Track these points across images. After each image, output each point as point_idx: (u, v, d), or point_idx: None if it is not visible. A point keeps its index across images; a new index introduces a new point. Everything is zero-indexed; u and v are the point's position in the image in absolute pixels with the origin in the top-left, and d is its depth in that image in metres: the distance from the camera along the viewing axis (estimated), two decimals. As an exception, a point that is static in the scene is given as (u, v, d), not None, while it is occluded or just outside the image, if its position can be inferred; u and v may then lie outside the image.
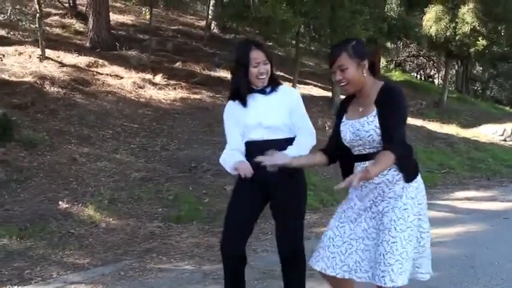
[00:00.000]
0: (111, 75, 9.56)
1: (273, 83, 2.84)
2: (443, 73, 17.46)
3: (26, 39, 10.37)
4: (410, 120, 11.96)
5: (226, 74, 10.39)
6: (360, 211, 2.43)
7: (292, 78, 11.02)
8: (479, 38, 13.37)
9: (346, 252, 2.41)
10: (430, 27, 13.72)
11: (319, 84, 13.10)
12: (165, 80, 9.98)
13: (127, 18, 14.55)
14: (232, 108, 2.86)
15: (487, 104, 19.26)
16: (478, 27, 13.19)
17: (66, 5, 13.54)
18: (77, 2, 13.68)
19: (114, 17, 13.49)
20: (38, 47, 9.46)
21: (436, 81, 27.57)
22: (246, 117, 2.78)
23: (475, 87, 28.68)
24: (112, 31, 11.81)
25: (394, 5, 18.63)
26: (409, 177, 2.36)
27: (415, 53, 24.28)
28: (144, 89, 9.37)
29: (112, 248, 4.67)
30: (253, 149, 2.73)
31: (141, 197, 5.89)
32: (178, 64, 11.32)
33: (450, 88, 21.60)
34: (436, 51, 18.21)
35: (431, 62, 25.43)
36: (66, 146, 6.81)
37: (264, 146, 2.66)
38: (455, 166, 9.74)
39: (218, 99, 9.50)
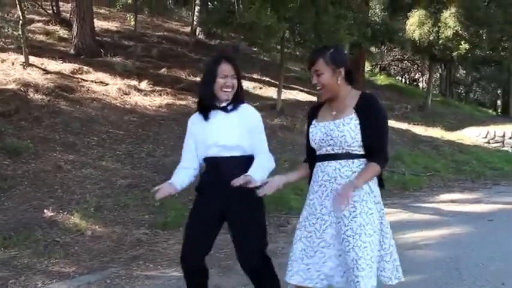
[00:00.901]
0: (96, 82, 9.51)
1: (237, 100, 2.82)
2: (428, 77, 17.63)
3: (9, 46, 10.26)
4: (396, 124, 12.06)
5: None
6: (324, 215, 2.44)
7: (277, 83, 11.06)
8: (462, 42, 13.56)
9: (320, 261, 2.43)
10: (414, 31, 13.88)
11: (304, 89, 13.17)
12: (151, 86, 9.96)
13: (111, 25, 14.50)
14: (193, 122, 2.89)
15: (470, 107, 19.52)
16: (460, 31, 13.38)
17: (50, 11, 13.44)
18: (61, 9, 13.59)
19: (99, 24, 13.43)
20: (21, 54, 9.39)
21: (420, 84, 27.89)
22: (203, 134, 2.80)
23: (459, 91, 29.07)
24: (97, 37, 11.76)
25: (377, 10, 18.80)
26: (381, 182, 2.49)
27: (399, 57, 24.53)
28: (130, 96, 9.34)
29: (98, 256, 4.63)
30: (211, 165, 2.80)
31: (128, 204, 5.86)
32: (163, 70, 11.32)
33: (434, 91, 21.87)
34: (420, 55, 18.44)
35: (416, 65, 25.71)
36: (51, 153, 6.75)
37: (221, 162, 2.74)
38: (440, 169, 9.84)
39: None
